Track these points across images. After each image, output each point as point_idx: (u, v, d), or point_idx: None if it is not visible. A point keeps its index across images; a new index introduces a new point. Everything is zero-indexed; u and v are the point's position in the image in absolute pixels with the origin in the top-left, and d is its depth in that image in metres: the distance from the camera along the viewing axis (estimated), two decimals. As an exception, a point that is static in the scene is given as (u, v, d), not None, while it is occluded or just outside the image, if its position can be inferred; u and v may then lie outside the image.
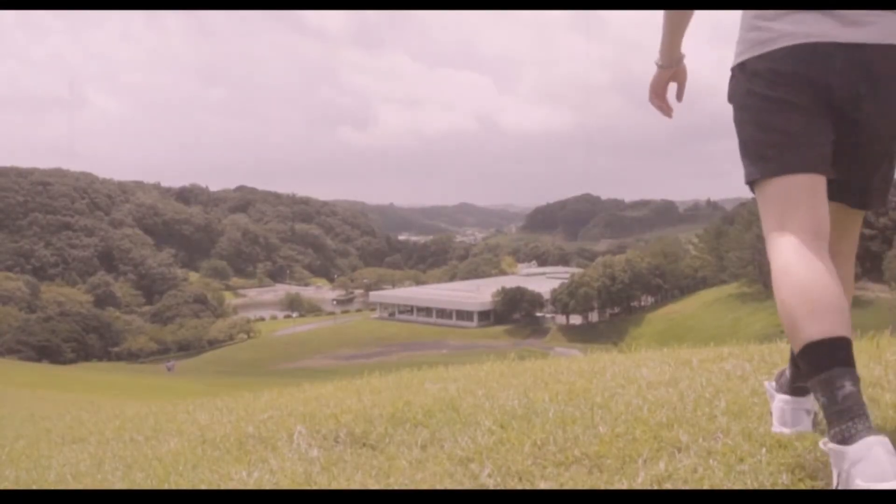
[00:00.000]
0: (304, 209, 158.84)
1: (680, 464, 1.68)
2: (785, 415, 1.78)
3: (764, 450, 1.69)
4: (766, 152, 1.54)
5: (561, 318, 73.45)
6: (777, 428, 1.79)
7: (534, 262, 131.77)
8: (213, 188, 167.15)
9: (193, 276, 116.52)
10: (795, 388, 1.80)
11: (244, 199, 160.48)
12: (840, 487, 1.32)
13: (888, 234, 54.81)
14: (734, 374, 2.54)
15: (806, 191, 1.50)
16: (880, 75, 1.48)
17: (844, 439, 1.31)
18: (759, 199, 1.57)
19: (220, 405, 4.14)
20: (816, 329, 1.37)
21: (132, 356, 67.93)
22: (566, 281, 74.51)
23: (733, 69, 1.64)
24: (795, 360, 1.66)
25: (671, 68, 1.88)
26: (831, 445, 1.34)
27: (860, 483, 1.26)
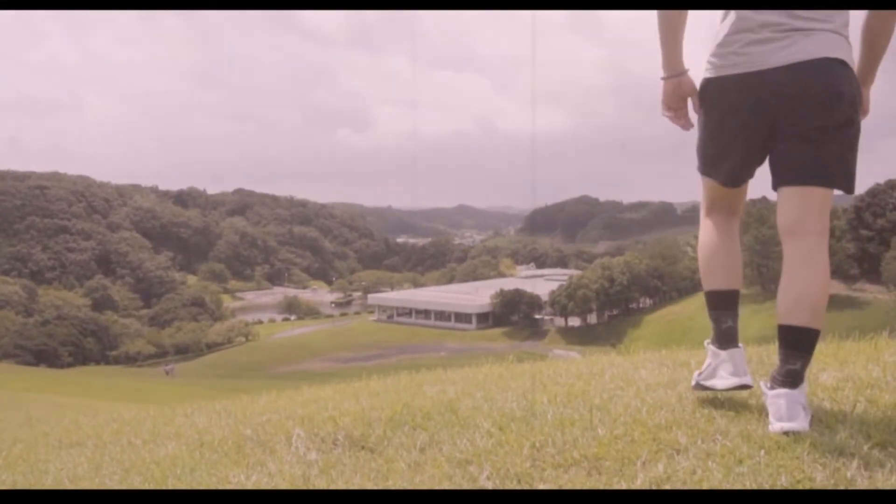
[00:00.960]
0: (302, 212, 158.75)
1: (679, 466, 1.68)
2: (781, 409, 1.83)
3: (763, 452, 1.69)
4: (707, 159, 2.14)
5: (559, 320, 73.41)
6: (775, 426, 1.82)
7: (532, 264, 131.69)
8: (211, 191, 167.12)
9: (191, 279, 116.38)
10: (787, 372, 1.86)
11: (242, 202, 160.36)
12: (705, 376, 2.11)
13: (886, 235, 54.85)
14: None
15: (725, 194, 2.15)
16: (802, 85, 1.90)
17: (719, 347, 2.09)
18: (702, 182, 2.19)
19: (218, 408, 4.13)
20: (713, 282, 2.11)
21: (130, 360, 67.76)
22: (564, 283, 74.47)
23: (702, 83, 2.08)
24: (784, 346, 1.92)
25: (675, 77, 2.08)
26: (710, 349, 2.12)
27: (722, 375, 2.05)
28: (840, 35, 1.94)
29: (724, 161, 2.07)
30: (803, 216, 1.95)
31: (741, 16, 1.96)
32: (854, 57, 2.01)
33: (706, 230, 2.16)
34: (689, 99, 2.09)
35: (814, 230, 1.95)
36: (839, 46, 1.93)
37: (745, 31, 1.96)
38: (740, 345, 2.08)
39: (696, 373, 2.18)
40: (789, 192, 1.97)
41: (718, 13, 2.07)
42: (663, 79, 2.08)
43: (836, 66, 1.91)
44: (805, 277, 1.92)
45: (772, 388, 1.89)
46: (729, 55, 1.98)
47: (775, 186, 2.01)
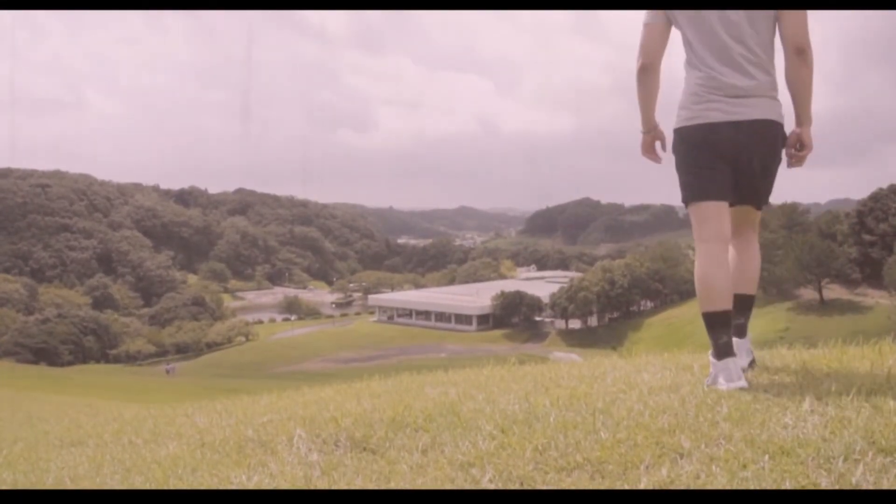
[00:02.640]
0: (303, 212, 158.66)
1: (682, 470, 1.67)
2: (731, 373, 2.45)
3: (767, 456, 1.69)
4: (690, 186, 2.63)
5: (560, 323, 73.35)
6: (724, 384, 2.41)
7: (533, 266, 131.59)
8: (213, 190, 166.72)
9: (192, 278, 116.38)
10: (736, 326, 2.61)
11: (243, 202, 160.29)
12: (709, 384, 2.47)
13: (888, 240, 54.75)
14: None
15: (713, 210, 2.60)
16: (752, 138, 2.54)
17: (718, 359, 2.48)
18: (690, 213, 2.65)
19: (218, 408, 4.14)
20: (710, 306, 2.53)
21: (130, 358, 67.66)
22: (565, 285, 74.40)
23: (674, 131, 2.66)
24: (735, 307, 2.61)
25: (651, 132, 2.80)
26: (711, 359, 2.52)
27: (721, 381, 2.44)
28: (774, 99, 2.58)
29: (712, 180, 2.59)
30: (745, 225, 2.78)
31: (705, 81, 2.55)
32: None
33: (700, 258, 2.60)
34: (657, 144, 2.81)
35: (752, 234, 2.81)
36: (775, 109, 2.58)
37: (712, 91, 2.54)
38: (735, 354, 2.50)
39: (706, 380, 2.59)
40: (737, 209, 2.71)
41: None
42: (642, 133, 2.80)
43: (775, 126, 2.58)
44: (748, 264, 2.76)
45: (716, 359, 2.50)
46: (703, 109, 2.56)
47: (731, 204, 2.68)
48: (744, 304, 2.72)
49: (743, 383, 2.40)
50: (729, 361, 2.45)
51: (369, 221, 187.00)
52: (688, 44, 2.60)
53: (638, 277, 71.54)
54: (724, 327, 2.49)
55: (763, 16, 2.49)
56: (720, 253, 2.58)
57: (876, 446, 1.69)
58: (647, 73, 2.67)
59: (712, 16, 2.50)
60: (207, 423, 3.47)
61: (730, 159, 2.55)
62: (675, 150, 2.67)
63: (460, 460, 1.94)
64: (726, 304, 2.51)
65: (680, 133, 2.63)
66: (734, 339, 2.55)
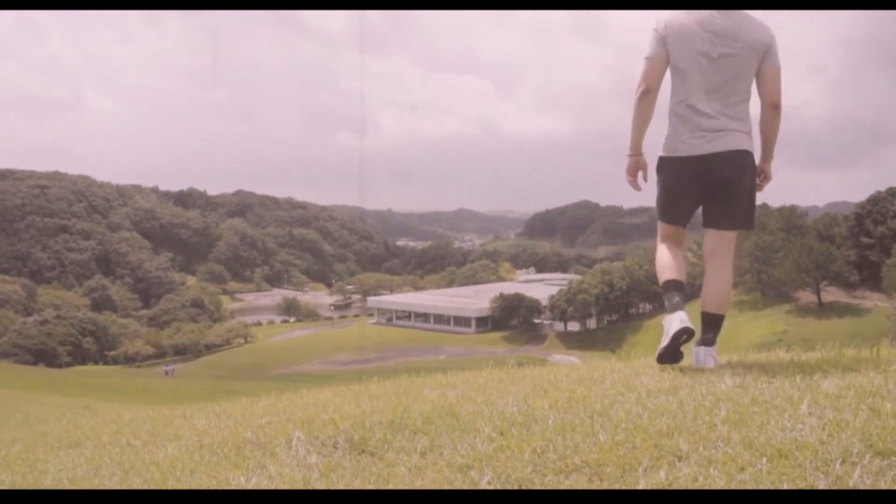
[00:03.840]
0: (302, 214, 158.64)
1: (680, 472, 1.68)
2: (699, 356, 2.98)
3: (765, 459, 1.69)
4: (662, 209, 3.16)
5: (559, 325, 73.35)
6: (674, 327, 2.87)
7: (532, 268, 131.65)
8: (212, 192, 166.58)
9: (191, 280, 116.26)
10: (704, 339, 3.00)
11: (242, 204, 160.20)
12: (662, 339, 2.96)
13: (886, 242, 54.79)
14: (733, 383, 2.53)
15: (673, 230, 3.18)
16: (727, 165, 2.96)
17: (670, 313, 2.94)
18: (658, 226, 3.20)
19: (217, 410, 4.13)
20: (667, 275, 3.06)
21: (128, 360, 67.63)
22: (564, 288, 74.45)
23: (659, 157, 3.09)
24: (704, 323, 3.04)
25: (638, 157, 3.14)
26: (665, 318, 2.96)
27: (674, 325, 2.88)
28: (747, 133, 3.01)
29: (675, 210, 3.14)
30: (719, 247, 3.11)
31: (685, 116, 2.97)
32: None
33: (660, 251, 3.15)
34: (640, 172, 3.15)
35: (725, 256, 3.11)
36: (746, 141, 3.00)
37: (688, 126, 2.96)
38: (684, 308, 2.96)
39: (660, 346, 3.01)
40: (711, 232, 3.11)
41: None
42: (628, 156, 3.13)
43: (744, 155, 2.99)
44: (717, 284, 3.09)
45: (696, 346, 3.01)
46: (678, 142, 3.00)
47: (704, 227, 3.13)
48: (710, 321, 3.02)
49: (688, 324, 2.86)
50: (678, 314, 2.90)
51: (368, 223, 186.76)
52: (679, 78, 2.98)
53: (637, 280, 71.55)
54: (675, 291, 3.00)
55: (745, 83, 2.96)
56: (673, 247, 3.14)
57: (873, 449, 1.69)
58: (647, 96, 3.02)
59: (708, 69, 2.90)
60: (206, 425, 3.47)
61: (703, 186, 2.99)
62: (658, 171, 3.11)
63: (459, 462, 1.94)
64: (677, 275, 3.04)
65: (662, 161, 3.08)
66: (703, 347, 3.00)
